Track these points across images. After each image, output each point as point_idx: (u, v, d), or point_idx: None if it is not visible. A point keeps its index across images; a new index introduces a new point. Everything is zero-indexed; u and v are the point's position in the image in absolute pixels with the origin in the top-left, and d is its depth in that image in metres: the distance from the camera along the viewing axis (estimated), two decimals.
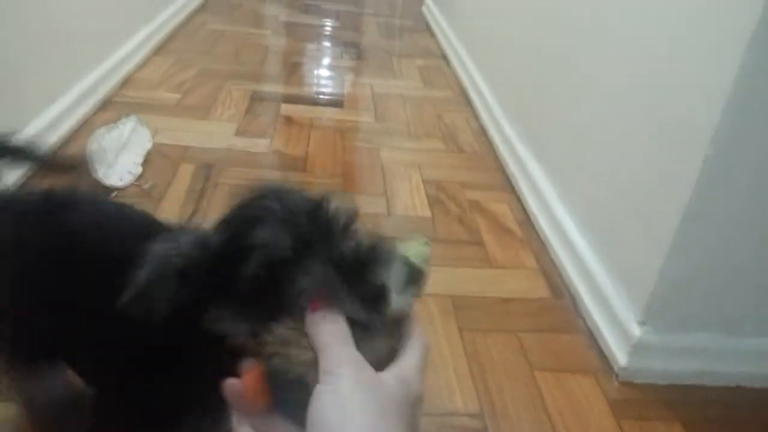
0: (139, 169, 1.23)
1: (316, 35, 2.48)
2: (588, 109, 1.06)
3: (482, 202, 1.30)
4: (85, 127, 1.39)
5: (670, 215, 0.77)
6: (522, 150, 1.37)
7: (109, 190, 1.14)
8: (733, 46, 0.67)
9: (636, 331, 0.84)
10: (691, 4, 0.78)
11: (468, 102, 1.87)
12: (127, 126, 1.27)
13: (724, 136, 0.71)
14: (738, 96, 0.68)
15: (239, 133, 1.49)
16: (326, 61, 2.17)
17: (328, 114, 1.68)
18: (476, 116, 1.76)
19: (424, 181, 1.37)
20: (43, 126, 1.22)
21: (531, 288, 1.04)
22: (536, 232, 1.20)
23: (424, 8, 3.03)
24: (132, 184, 1.19)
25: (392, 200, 1.27)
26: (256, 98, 1.71)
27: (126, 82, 1.67)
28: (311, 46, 2.30)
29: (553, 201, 1.16)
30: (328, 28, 2.61)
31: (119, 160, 1.21)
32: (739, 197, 0.75)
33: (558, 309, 1.02)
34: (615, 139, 0.96)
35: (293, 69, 2.02)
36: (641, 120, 0.88)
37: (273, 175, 1.31)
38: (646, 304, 0.82)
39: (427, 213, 1.24)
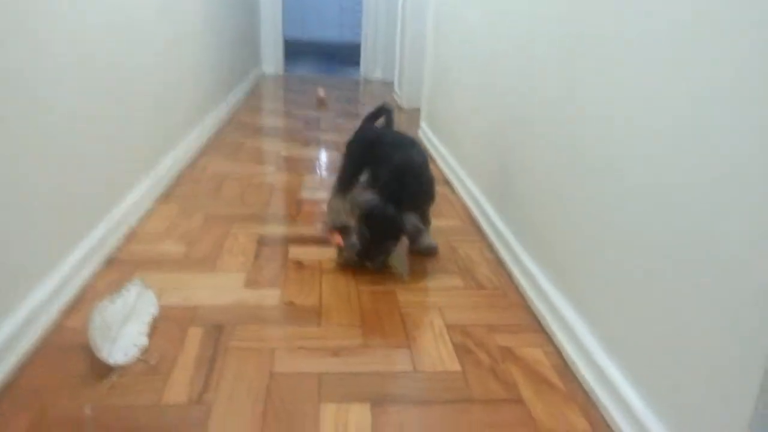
0: (145, 340, 1.15)
1: (318, 168, 2.50)
2: (627, 251, 1.01)
3: (514, 348, 1.22)
4: (89, 292, 1.32)
5: (749, 385, 0.69)
6: (547, 287, 1.30)
7: (112, 368, 1.06)
8: None
9: None
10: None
11: (479, 231, 1.83)
12: (132, 292, 1.21)
13: None
14: None
15: (248, 284, 1.42)
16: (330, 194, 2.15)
17: None
18: (490, 246, 1.71)
19: (447, 326, 1.29)
20: (44, 297, 1.16)
21: None
22: (579, 382, 1.11)
23: (419, 132, 3.11)
24: (138, 359, 1.10)
25: (416, 353, 1.19)
26: (263, 242, 1.67)
27: (130, 236, 1.63)
28: (314, 180, 2.31)
29: (593, 347, 1.08)
30: (329, 161, 2.64)
31: (123, 332, 1.14)
32: None
33: None
34: (663, 279, 0.89)
35: (298, 206, 2.00)
36: (697, 262, 0.82)
37: (287, 332, 1.23)
38: None
39: (457, 366, 1.15)
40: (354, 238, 1.50)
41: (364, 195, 1.51)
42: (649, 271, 0.92)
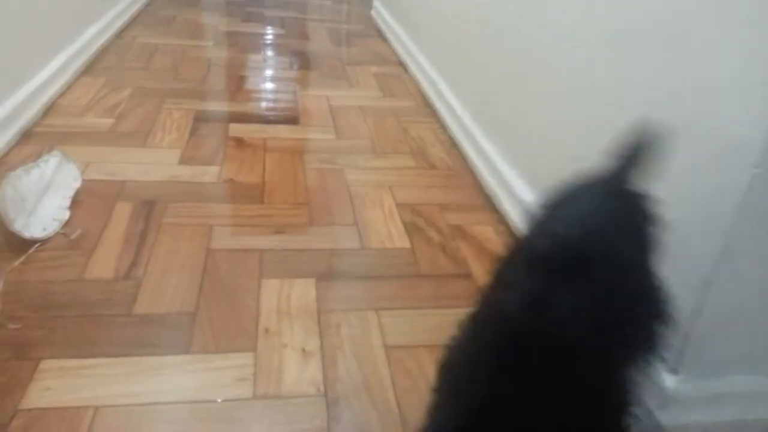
0: (66, 214, 1.05)
1: (262, 45, 2.31)
2: (582, 114, 0.95)
3: (464, 226, 1.18)
4: (2, 166, 1.18)
5: (708, 251, 0.66)
6: (503, 166, 1.25)
7: (29, 243, 0.95)
8: None
9: (668, 381, 0.72)
10: None
11: (433, 112, 1.74)
12: (50, 164, 1.08)
13: None
14: None
15: (184, 161, 1.31)
16: (275, 72, 2.00)
17: (284, 133, 1.52)
18: (444, 128, 1.63)
19: (397, 205, 1.23)
20: None
21: None
22: None
23: (373, 12, 2.91)
24: (58, 233, 1.00)
25: (365, 231, 1.13)
26: (200, 118, 1.53)
27: (49, 110, 1.46)
28: (257, 57, 2.13)
29: None
30: (274, 37, 2.44)
31: (41, 206, 1.02)
32: None
33: None
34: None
35: (239, 83, 1.84)
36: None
37: (226, 209, 1.15)
38: (679, 349, 0.71)
39: (406, 243, 1.10)
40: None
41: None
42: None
